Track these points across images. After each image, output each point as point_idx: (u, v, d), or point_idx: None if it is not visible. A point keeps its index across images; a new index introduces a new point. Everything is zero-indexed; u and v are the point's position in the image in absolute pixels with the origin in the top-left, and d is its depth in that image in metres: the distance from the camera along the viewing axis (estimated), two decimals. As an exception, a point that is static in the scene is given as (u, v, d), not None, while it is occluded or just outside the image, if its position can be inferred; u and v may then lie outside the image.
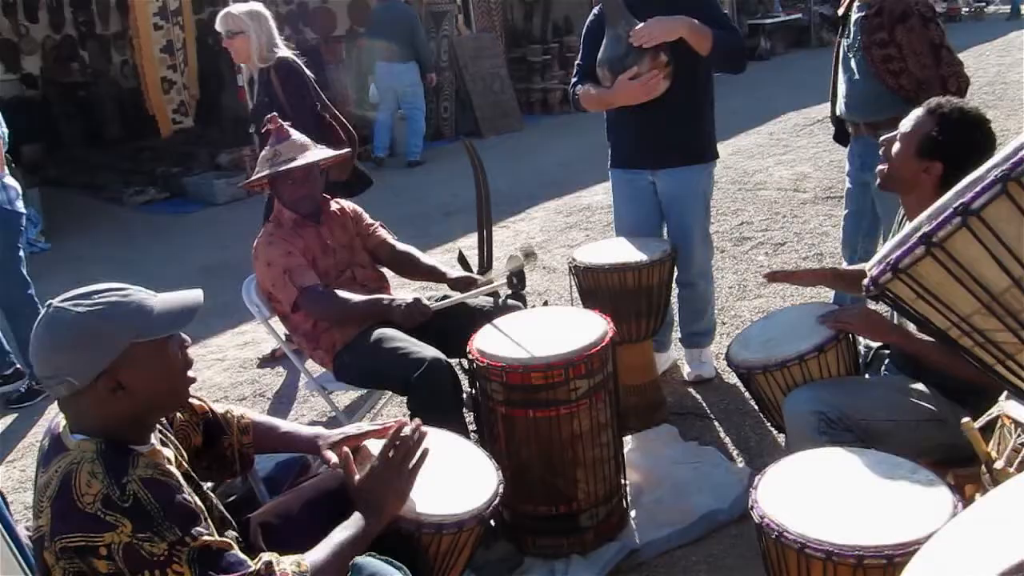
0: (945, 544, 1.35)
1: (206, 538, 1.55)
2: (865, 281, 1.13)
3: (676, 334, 3.94)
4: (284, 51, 4.34)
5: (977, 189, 0.99)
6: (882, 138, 2.46)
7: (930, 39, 3.26)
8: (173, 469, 1.66)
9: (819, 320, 2.56)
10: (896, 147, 2.38)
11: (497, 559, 2.64)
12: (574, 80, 3.54)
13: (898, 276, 1.07)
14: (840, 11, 3.64)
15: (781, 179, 6.94)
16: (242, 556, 1.60)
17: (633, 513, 2.85)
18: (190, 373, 1.75)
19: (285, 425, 2.20)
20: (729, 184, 6.91)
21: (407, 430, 1.92)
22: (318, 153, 3.08)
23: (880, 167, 2.45)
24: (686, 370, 3.82)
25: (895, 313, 2.57)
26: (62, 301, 1.59)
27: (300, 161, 3.00)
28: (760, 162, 7.60)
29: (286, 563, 1.64)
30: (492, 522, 2.73)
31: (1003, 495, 1.34)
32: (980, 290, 1.03)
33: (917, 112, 2.38)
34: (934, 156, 2.29)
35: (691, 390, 3.72)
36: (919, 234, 1.03)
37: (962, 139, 2.26)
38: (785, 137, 8.36)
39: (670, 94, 3.27)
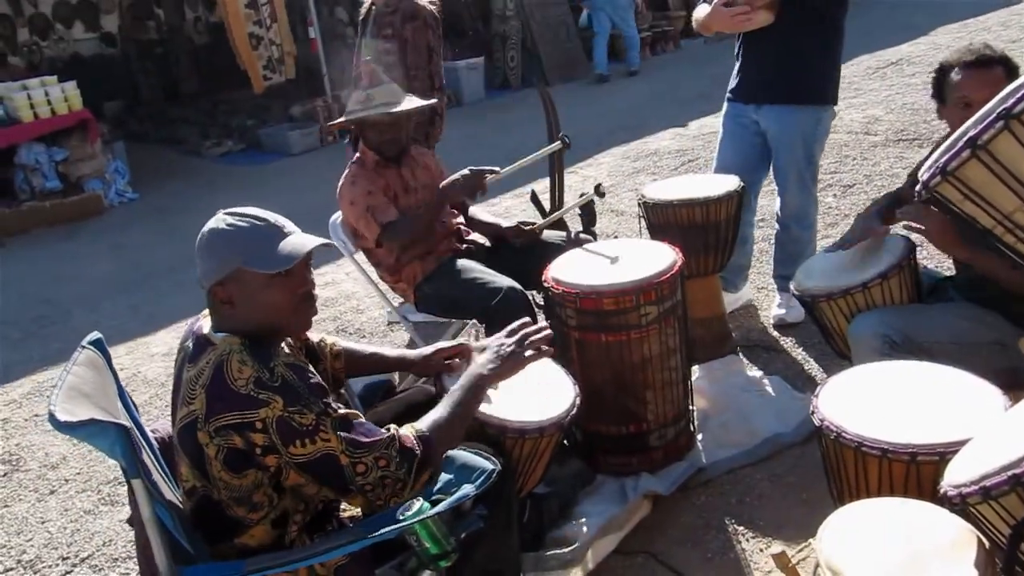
0: (986, 438, 1.47)
1: (342, 411, 1.76)
2: (917, 186, 1.24)
3: (753, 278, 4.01)
4: None
5: (1019, 95, 1.09)
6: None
7: (427, 41, 4.07)
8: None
9: (899, 214, 2.59)
10: None
11: (570, 475, 2.81)
12: (700, 2, 3.57)
13: (947, 179, 1.18)
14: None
15: (852, 122, 6.86)
16: (372, 425, 1.79)
17: (700, 436, 2.99)
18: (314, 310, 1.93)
19: (372, 349, 2.40)
20: (798, 128, 6.87)
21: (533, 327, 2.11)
22: (409, 103, 3.20)
23: None
24: (773, 311, 3.79)
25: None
26: (225, 212, 1.82)
27: (393, 109, 3.14)
28: (830, 105, 7.52)
29: (404, 428, 1.82)
30: (566, 441, 2.92)
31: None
32: (1021, 188, 1.13)
33: (977, 75, 2.45)
34: None
35: (759, 324, 3.81)
36: (966, 138, 1.14)
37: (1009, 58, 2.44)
38: (857, 80, 8.21)
39: (776, 29, 3.27)
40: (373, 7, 4.28)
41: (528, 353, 2.06)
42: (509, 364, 2.03)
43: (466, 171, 3.09)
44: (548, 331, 2.11)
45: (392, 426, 1.81)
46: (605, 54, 10.76)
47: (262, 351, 1.75)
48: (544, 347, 2.08)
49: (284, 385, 1.70)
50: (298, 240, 1.84)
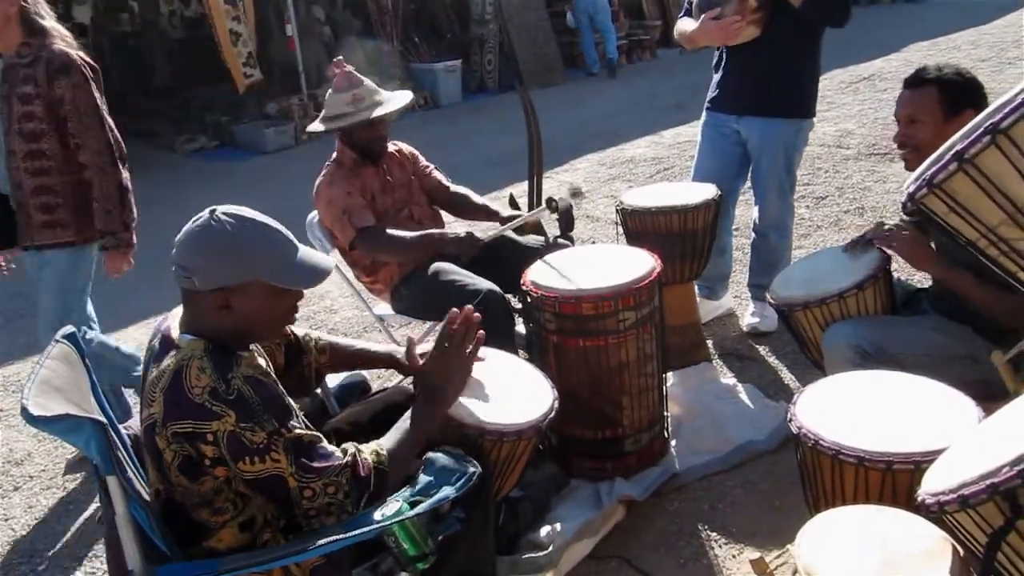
0: (963, 447, 1.49)
1: (299, 431, 1.72)
2: (902, 198, 1.26)
3: (733, 286, 4.05)
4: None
5: (1006, 110, 1.11)
6: (896, 138, 2.56)
7: (94, 100, 3.07)
8: (271, 372, 1.84)
9: (868, 236, 2.66)
10: (920, 130, 2.46)
11: (545, 479, 2.82)
12: (681, 15, 3.61)
13: (933, 191, 1.20)
14: None
15: (824, 135, 6.95)
16: (331, 448, 1.77)
17: (674, 442, 3.00)
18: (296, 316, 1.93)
19: (359, 344, 2.38)
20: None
21: (456, 324, 2.08)
22: (397, 98, 3.21)
23: (906, 155, 2.55)
24: (747, 320, 3.82)
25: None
26: (225, 211, 1.75)
27: (388, 108, 3.13)
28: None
29: (366, 452, 1.81)
30: (540, 445, 2.92)
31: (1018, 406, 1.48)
32: (1006, 202, 1.15)
33: (905, 95, 2.50)
34: (961, 107, 2.42)
35: (733, 332, 3.84)
36: (952, 152, 1.16)
37: (961, 77, 2.44)
38: (830, 94, 8.31)
39: (761, 42, 3.32)
40: (1, 57, 3.11)
41: (467, 355, 2.07)
42: (458, 383, 2.05)
43: (463, 234, 3.04)
44: (471, 318, 2.08)
45: (351, 448, 1.79)
46: (594, 51, 11.20)
47: (224, 359, 1.72)
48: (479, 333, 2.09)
49: (239, 399, 1.66)
50: (315, 257, 1.84)
